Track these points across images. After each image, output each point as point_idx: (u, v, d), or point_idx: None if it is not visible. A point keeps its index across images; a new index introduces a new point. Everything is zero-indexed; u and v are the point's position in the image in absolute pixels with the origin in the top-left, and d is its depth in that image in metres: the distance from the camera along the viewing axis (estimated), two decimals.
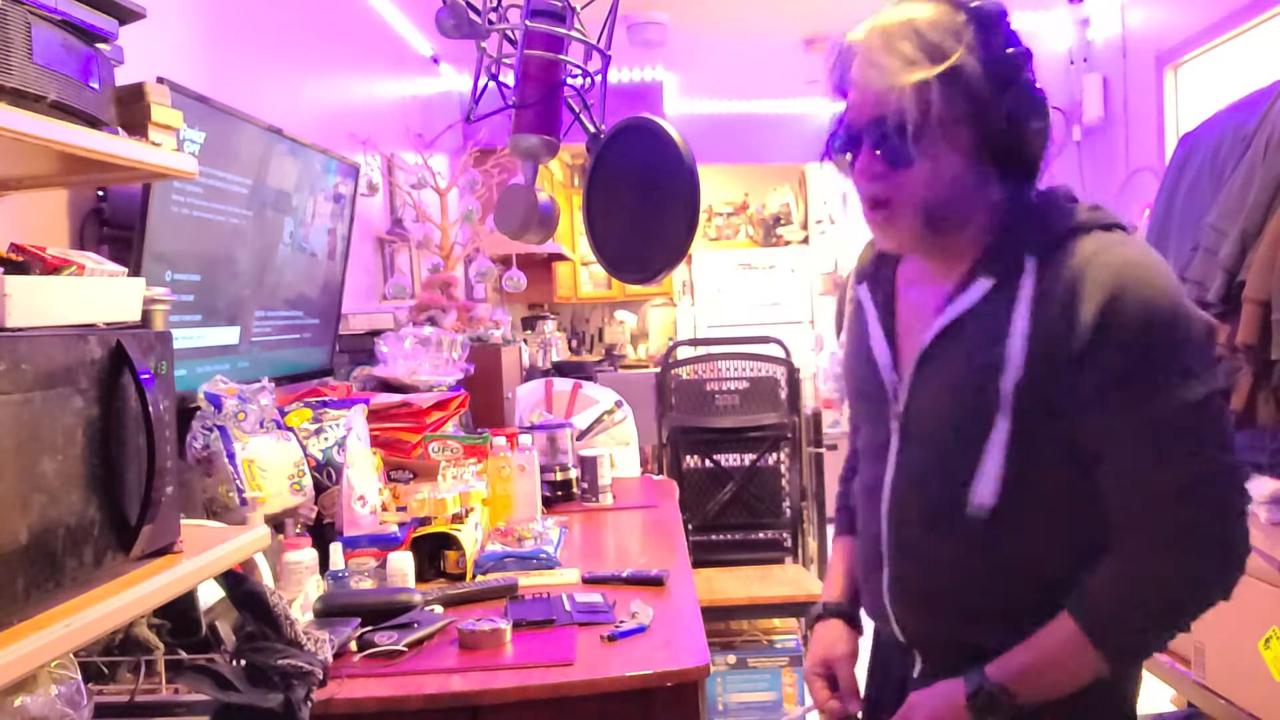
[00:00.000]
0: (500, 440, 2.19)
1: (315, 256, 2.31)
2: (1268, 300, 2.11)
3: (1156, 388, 0.93)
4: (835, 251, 6.35)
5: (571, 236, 6.06)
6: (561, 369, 4.76)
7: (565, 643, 1.40)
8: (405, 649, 1.38)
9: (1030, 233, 1.01)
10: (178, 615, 1.12)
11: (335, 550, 1.64)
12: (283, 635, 1.10)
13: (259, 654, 1.07)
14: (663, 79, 5.36)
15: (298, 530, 1.71)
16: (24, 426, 0.78)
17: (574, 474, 2.50)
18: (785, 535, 3.19)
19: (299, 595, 1.51)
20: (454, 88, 4.54)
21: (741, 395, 3.26)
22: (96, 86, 0.99)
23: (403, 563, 1.64)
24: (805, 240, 6.85)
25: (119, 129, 1.03)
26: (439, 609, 1.55)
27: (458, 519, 1.82)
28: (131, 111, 1.12)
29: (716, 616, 2.73)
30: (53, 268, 0.95)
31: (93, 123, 0.99)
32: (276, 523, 1.68)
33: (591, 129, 1.47)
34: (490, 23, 1.39)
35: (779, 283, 6.55)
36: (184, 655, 1.12)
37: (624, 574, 1.73)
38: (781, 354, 3.33)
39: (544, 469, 2.40)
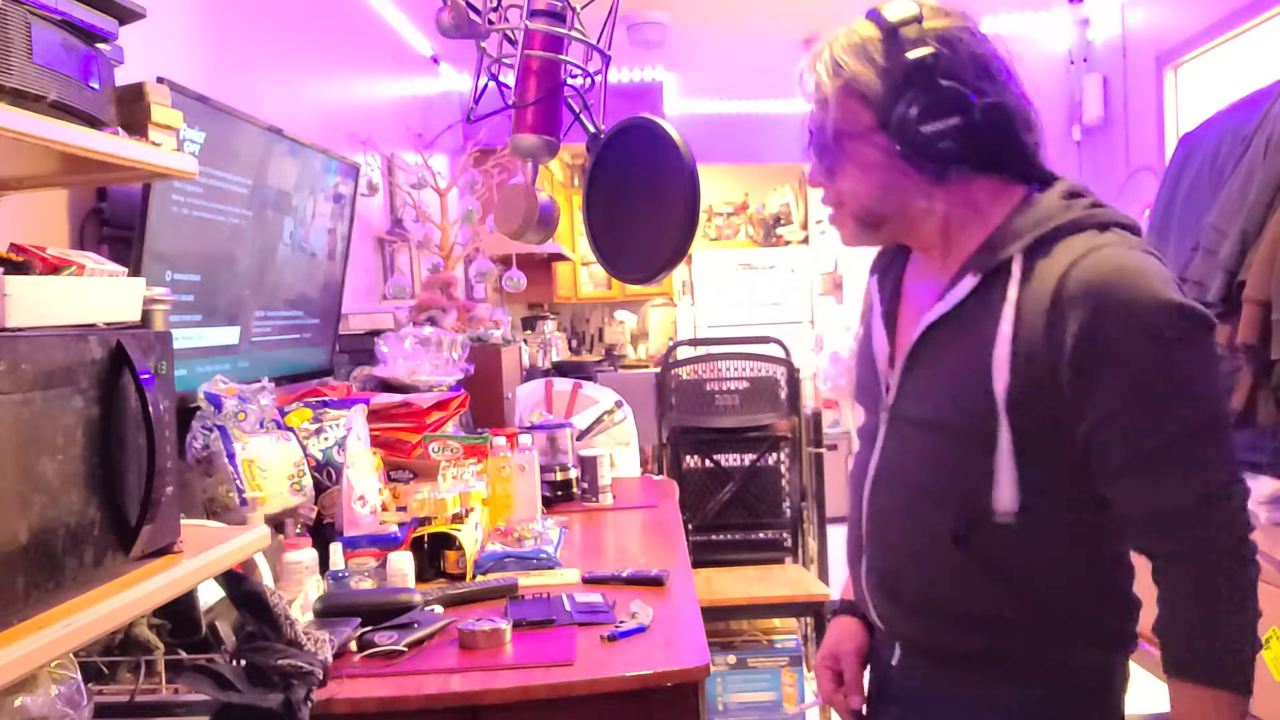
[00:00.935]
0: (500, 440, 2.19)
1: (315, 256, 2.31)
2: (1268, 300, 2.11)
3: (1154, 412, 0.93)
4: (835, 251, 6.34)
5: (571, 236, 6.06)
6: (561, 369, 4.76)
7: (565, 643, 1.40)
8: (405, 649, 1.38)
9: (1018, 230, 1.01)
10: (178, 615, 1.12)
11: (335, 550, 1.64)
12: (283, 635, 1.10)
13: (259, 654, 1.07)
14: (663, 79, 5.36)
15: (298, 530, 1.71)
16: (24, 426, 0.78)
17: (574, 474, 2.50)
18: (785, 535, 3.19)
19: (299, 595, 1.51)
20: (454, 88, 4.54)
21: (741, 395, 3.26)
22: (96, 86, 0.99)
23: (403, 563, 1.64)
24: (805, 240, 6.85)
25: (119, 129, 1.03)
26: (439, 609, 1.55)
27: (458, 519, 1.82)
28: (131, 111, 1.12)
29: (716, 616, 2.73)
30: (53, 268, 0.95)
31: (93, 123, 0.99)
32: (276, 523, 1.68)
33: (591, 129, 1.47)
34: (490, 23, 1.39)
35: (779, 283, 6.55)
36: (184, 655, 1.12)
37: (624, 574, 1.73)
38: (781, 354, 3.33)
39: (544, 469, 2.40)
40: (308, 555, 1.58)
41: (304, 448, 1.77)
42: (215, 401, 1.58)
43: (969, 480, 1.00)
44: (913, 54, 1.00)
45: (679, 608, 1.58)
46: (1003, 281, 1.00)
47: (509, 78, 1.42)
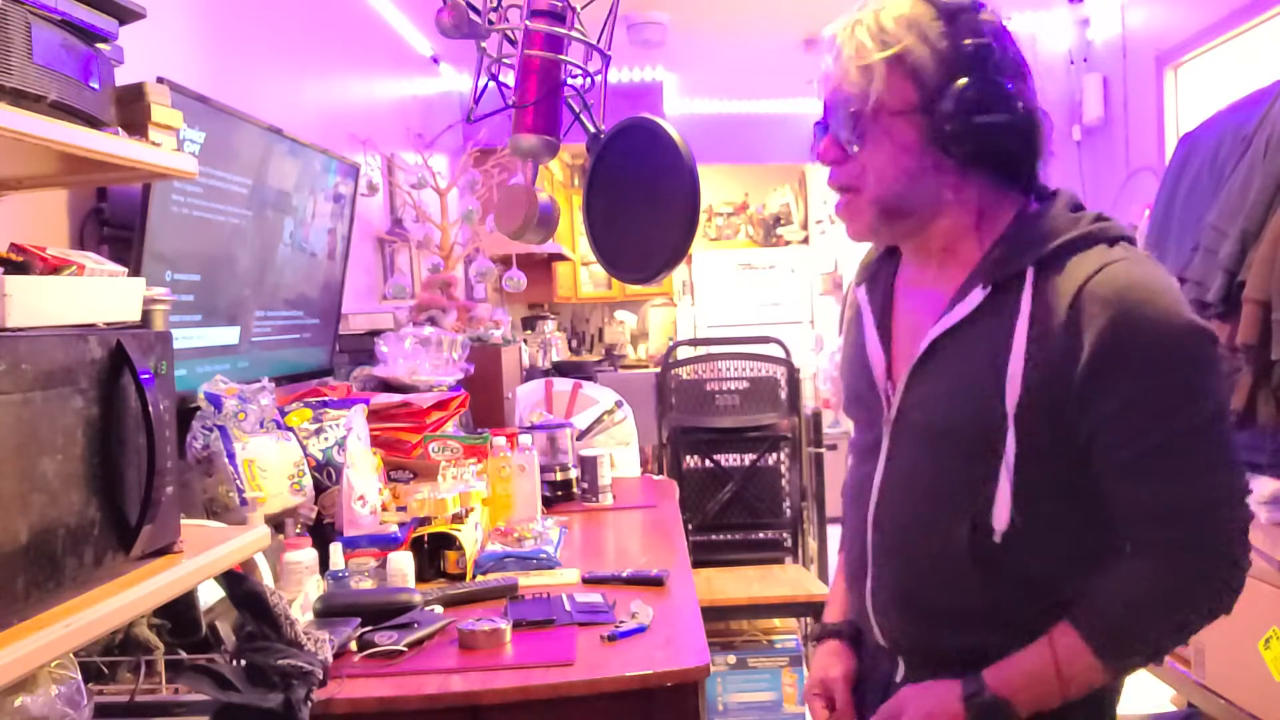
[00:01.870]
0: (500, 440, 2.19)
1: (315, 256, 2.31)
2: (1268, 300, 2.11)
3: (1163, 413, 0.93)
4: (835, 251, 6.35)
5: (571, 236, 6.06)
6: (561, 369, 4.76)
7: (565, 643, 1.40)
8: (405, 649, 1.38)
9: (1030, 242, 1.00)
10: (178, 615, 1.12)
11: (335, 550, 1.64)
12: (283, 635, 1.10)
13: (259, 654, 1.07)
14: (663, 79, 5.36)
15: (298, 530, 1.71)
16: (24, 426, 0.78)
17: (574, 474, 2.50)
18: (785, 535, 3.19)
19: (299, 595, 1.51)
20: (454, 88, 4.54)
21: (741, 395, 3.26)
22: (96, 86, 0.99)
23: (403, 563, 1.64)
24: (805, 240, 6.85)
25: (119, 129, 1.03)
26: (439, 609, 1.55)
27: (458, 519, 1.82)
28: (131, 111, 1.12)
29: (716, 616, 2.73)
30: (53, 268, 0.95)
31: (93, 123, 0.99)
32: (276, 523, 1.68)
33: (591, 129, 1.47)
34: (490, 23, 1.39)
35: (779, 283, 6.55)
36: (184, 655, 1.12)
37: (624, 574, 1.73)
38: (781, 354, 3.33)
39: (544, 469, 2.40)
40: (308, 555, 1.58)
41: (304, 448, 1.77)
42: (215, 401, 1.58)
43: (980, 489, 1.00)
44: (972, 41, 0.98)
45: (679, 608, 1.58)
46: (1015, 293, 0.98)
47: (509, 78, 1.42)
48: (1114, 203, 4.22)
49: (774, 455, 3.21)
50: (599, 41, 1.45)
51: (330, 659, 1.16)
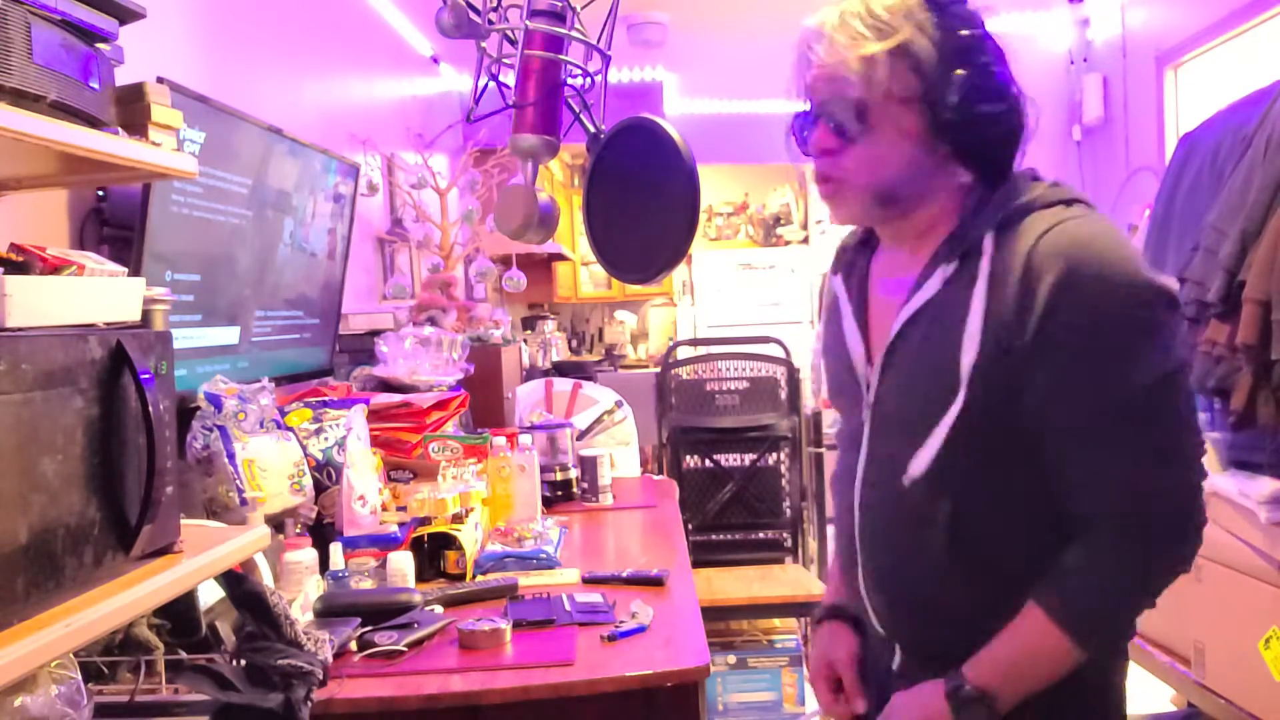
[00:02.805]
0: (500, 440, 2.19)
1: (315, 256, 2.31)
2: (1268, 300, 2.11)
3: (1114, 367, 0.93)
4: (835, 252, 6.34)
5: (571, 236, 6.06)
6: (561, 369, 4.76)
7: (565, 643, 1.40)
8: (405, 649, 1.38)
9: (989, 213, 1.01)
10: (178, 615, 1.12)
11: (335, 550, 1.64)
12: (283, 635, 1.10)
13: (259, 654, 1.07)
14: (663, 79, 5.36)
15: (298, 530, 1.71)
16: (24, 426, 0.78)
17: (574, 474, 2.50)
18: (785, 535, 3.19)
19: (299, 595, 1.51)
20: (454, 88, 4.54)
21: (741, 395, 3.26)
22: (96, 86, 0.99)
23: (403, 563, 1.64)
24: (805, 240, 6.84)
25: (119, 129, 1.03)
26: (439, 609, 1.55)
27: (458, 519, 1.82)
28: (131, 111, 1.12)
29: (716, 616, 2.73)
30: (53, 268, 0.95)
31: (93, 123, 0.99)
32: (276, 523, 1.68)
33: (591, 129, 1.48)
34: (490, 23, 1.39)
35: (779, 283, 6.54)
36: (184, 655, 1.12)
37: (624, 574, 1.73)
38: (781, 354, 3.33)
39: (544, 469, 2.40)
40: (308, 555, 1.58)
41: (304, 448, 1.77)
42: (215, 401, 1.58)
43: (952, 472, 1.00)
44: (966, 31, 0.99)
45: (679, 608, 1.58)
46: (974, 262, 0.99)
47: (509, 78, 1.42)
48: (1114, 203, 4.22)
49: (774, 455, 3.21)
50: (599, 41, 1.45)
51: (330, 659, 1.16)
